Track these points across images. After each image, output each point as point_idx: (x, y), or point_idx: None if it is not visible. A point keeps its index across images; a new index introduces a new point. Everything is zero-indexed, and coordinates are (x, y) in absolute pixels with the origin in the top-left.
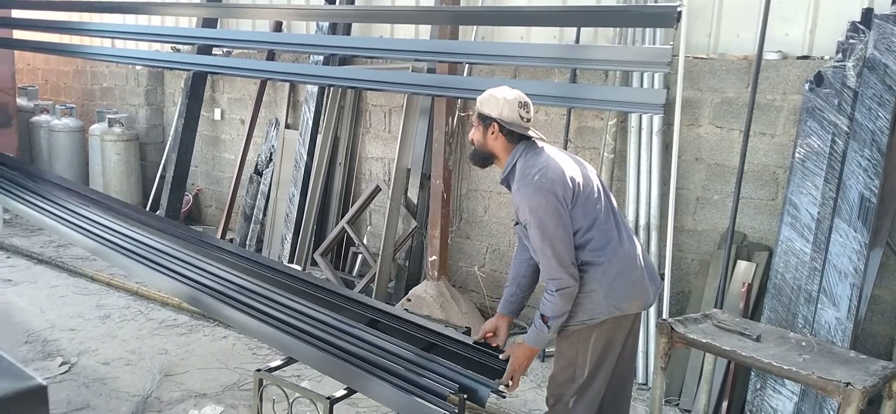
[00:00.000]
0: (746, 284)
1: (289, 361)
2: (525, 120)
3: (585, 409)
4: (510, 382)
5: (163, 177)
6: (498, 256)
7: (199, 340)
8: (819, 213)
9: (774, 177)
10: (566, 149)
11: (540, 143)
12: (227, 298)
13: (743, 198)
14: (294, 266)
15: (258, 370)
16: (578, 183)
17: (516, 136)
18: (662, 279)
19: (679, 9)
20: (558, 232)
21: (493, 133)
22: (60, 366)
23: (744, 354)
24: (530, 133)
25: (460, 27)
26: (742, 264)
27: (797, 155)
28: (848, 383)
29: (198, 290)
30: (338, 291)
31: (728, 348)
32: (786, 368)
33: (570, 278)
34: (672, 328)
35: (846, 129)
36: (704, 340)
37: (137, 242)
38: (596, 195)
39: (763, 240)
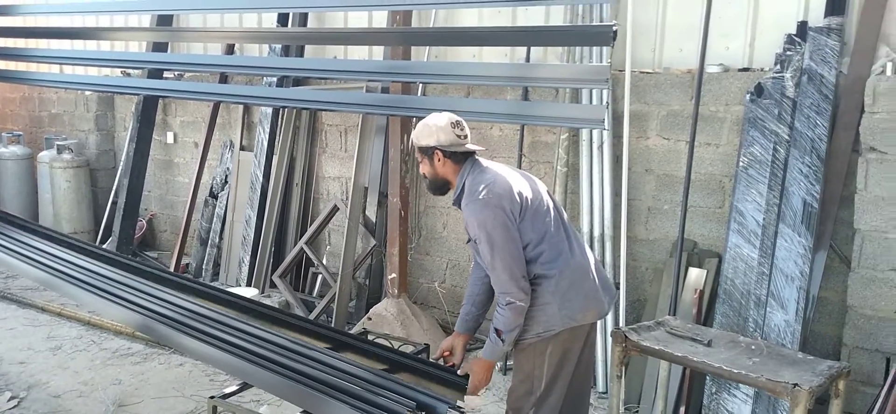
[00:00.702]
0: (698, 291)
1: (244, 386)
2: (462, 138)
3: None
4: (473, 394)
5: (115, 203)
6: (458, 271)
7: (154, 369)
8: (764, 219)
9: (721, 185)
10: (520, 164)
11: (484, 161)
12: (180, 324)
13: (692, 206)
14: (250, 289)
15: (211, 397)
16: (527, 197)
17: (460, 156)
18: (618, 288)
19: (614, 28)
20: (507, 246)
21: (439, 160)
22: (9, 401)
23: (695, 359)
24: (469, 147)
25: (413, 47)
26: (693, 271)
27: (741, 163)
28: (795, 384)
29: (150, 317)
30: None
31: (680, 354)
32: (736, 371)
33: (520, 291)
34: (626, 336)
35: (787, 137)
36: (657, 347)
37: (88, 270)
38: (545, 209)
39: (713, 247)
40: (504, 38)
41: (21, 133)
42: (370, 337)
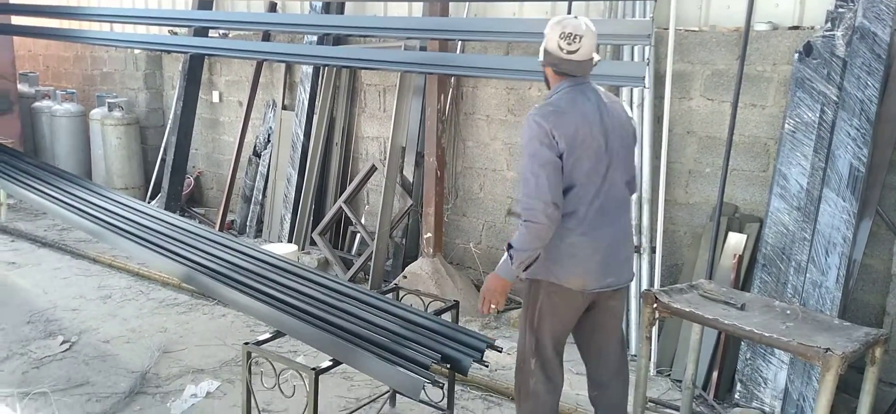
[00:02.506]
0: (737, 256)
1: (277, 334)
2: (565, 53)
3: (541, 371)
4: (481, 309)
5: (163, 160)
6: (494, 233)
7: (198, 319)
8: (808, 183)
9: (765, 148)
10: None
11: (588, 88)
12: (221, 276)
13: (734, 170)
14: (289, 246)
15: (246, 344)
16: (579, 139)
17: (560, 72)
18: (653, 252)
19: None
20: (542, 164)
21: (543, 64)
22: (61, 344)
23: (726, 322)
24: (564, 68)
25: (452, 5)
26: (733, 236)
27: (787, 126)
28: (827, 349)
29: (193, 269)
30: (319, 278)
31: (710, 317)
32: (767, 334)
33: (542, 214)
34: (657, 298)
35: (835, 99)
36: (688, 309)
37: (137, 224)
38: (589, 165)
39: (754, 212)
40: None
41: (75, 91)
42: (402, 294)
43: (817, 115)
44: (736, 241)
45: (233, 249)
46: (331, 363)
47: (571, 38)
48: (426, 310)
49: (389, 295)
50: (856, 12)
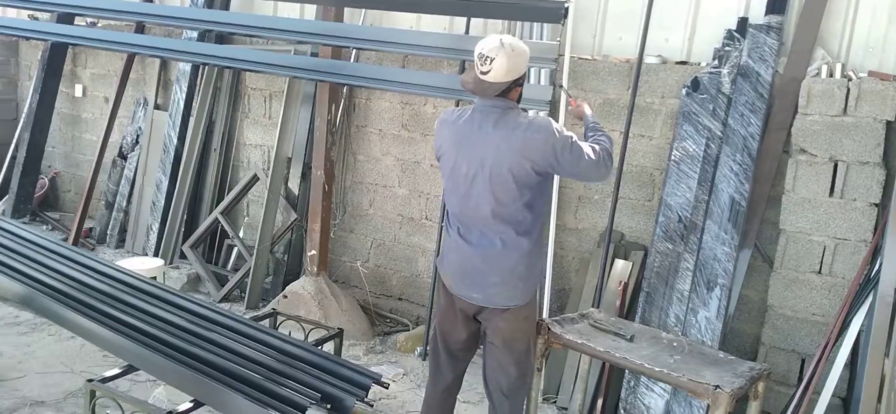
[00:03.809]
0: (622, 283)
1: (130, 367)
2: (478, 72)
3: (430, 362)
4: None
5: (14, 158)
6: (382, 251)
7: (41, 341)
8: (692, 214)
9: (651, 178)
10: None
11: (485, 107)
12: (67, 297)
13: (622, 198)
14: (155, 259)
15: (90, 381)
16: (441, 150)
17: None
18: (542, 277)
19: (566, 5)
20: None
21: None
22: None
23: (617, 355)
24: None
25: (347, 10)
26: (619, 263)
27: (673, 157)
28: (717, 386)
29: (33, 288)
30: (182, 302)
31: (602, 349)
32: (657, 369)
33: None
34: (549, 328)
35: (720, 133)
36: (580, 342)
37: None
38: (449, 182)
39: (640, 239)
40: (448, 8)
41: None
42: (280, 319)
43: (702, 149)
44: (622, 267)
45: (83, 264)
46: (191, 405)
47: (483, 59)
48: (306, 338)
49: (266, 321)
50: (741, 52)
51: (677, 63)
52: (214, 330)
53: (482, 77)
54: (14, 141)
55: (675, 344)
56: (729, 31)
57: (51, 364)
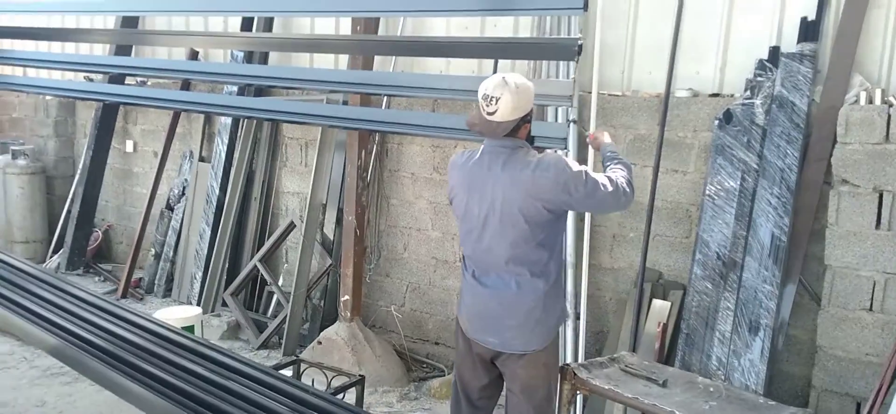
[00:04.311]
0: (661, 324)
1: None
2: (485, 113)
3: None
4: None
5: (69, 212)
6: (418, 295)
7: (83, 392)
8: (730, 251)
9: (688, 214)
10: None
11: (494, 148)
12: (100, 351)
13: (658, 235)
14: (193, 308)
15: None
16: (453, 193)
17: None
18: (577, 319)
19: (579, 43)
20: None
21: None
22: None
23: (646, 401)
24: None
25: (382, 58)
26: (657, 303)
27: (708, 192)
28: None
29: (68, 341)
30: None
31: (630, 395)
32: None
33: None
34: (574, 373)
35: (756, 166)
36: (607, 387)
37: (15, 286)
38: (464, 225)
39: (678, 278)
40: (462, 50)
41: None
42: (303, 367)
43: (738, 183)
44: (660, 308)
45: (118, 316)
46: None
47: (488, 99)
48: (329, 385)
49: (290, 369)
50: (774, 81)
51: (710, 95)
52: (239, 381)
53: (489, 118)
54: (70, 196)
55: (711, 390)
56: (760, 60)
57: None
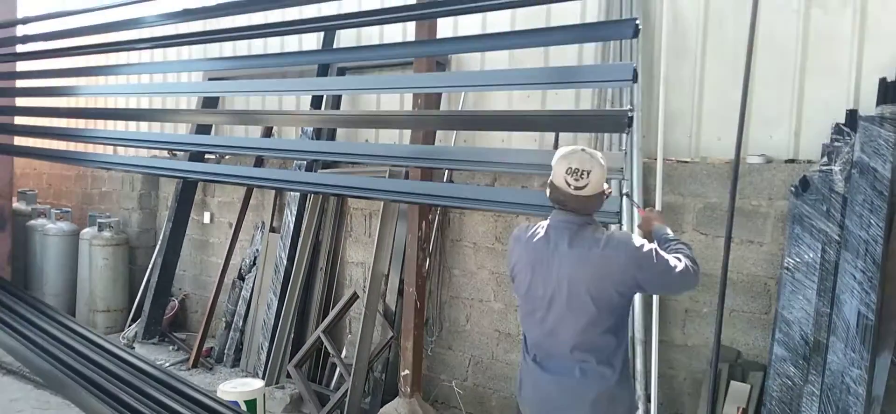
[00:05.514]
0: (740, 409)
1: None
2: (573, 189)
3: None
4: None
5: (148, 281)
6: (480, 369)
7: None
8: (813, 330)
9: (766, 288)
10: None
11: (560, 224)
12: None
13: (734, 311)
14: (256, 381)
15: None
16: (515, 271)
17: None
18: (648, 401)
19: (629, 114)
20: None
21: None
22: None
23: None
24: (557, 204)
25: (445, 131)
26: (736, 386)
27: (786, 265)
28: None
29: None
30: None
31: None
32: None
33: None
34: None
35: (837, 237)
36: None
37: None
38: (526, 305)
39: (758, 358)
40: (514, 123)
41: (69, 210)
42: None
43: (819, 255)
44: (739, 391)
45: (179, 391)
46: None
47: (575, 173)
48: None
49: None
50: (853, 146)
51: (785, 162)
52: None
53: (577, 193)
54: (150, 266)
55: None
56: (837, 124)
57: None
